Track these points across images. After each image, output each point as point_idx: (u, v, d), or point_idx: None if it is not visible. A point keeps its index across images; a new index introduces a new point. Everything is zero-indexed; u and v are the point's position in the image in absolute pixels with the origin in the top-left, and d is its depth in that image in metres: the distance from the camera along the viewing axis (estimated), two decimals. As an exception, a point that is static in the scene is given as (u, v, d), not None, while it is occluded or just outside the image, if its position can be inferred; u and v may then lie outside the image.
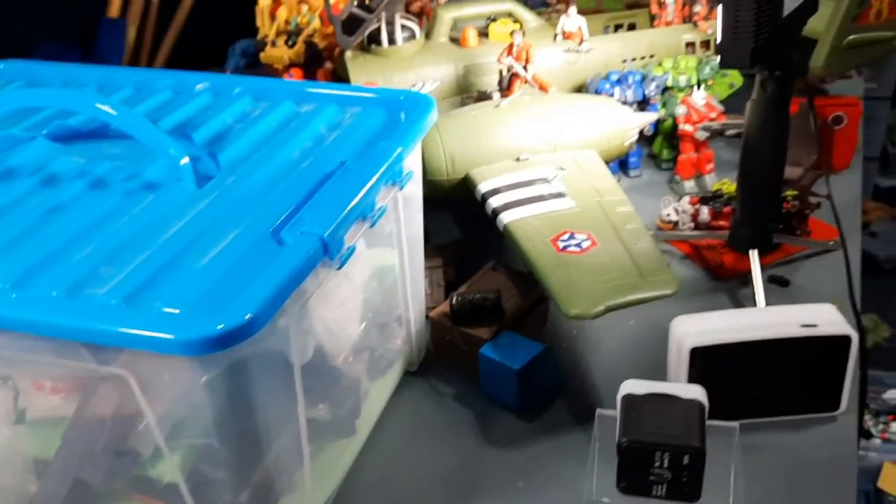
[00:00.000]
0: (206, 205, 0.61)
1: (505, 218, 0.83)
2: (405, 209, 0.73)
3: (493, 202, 0.86)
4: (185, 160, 0.63)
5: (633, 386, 0.61)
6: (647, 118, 1.02)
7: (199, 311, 0.49)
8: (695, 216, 0.96)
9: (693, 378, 0.68)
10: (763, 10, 0.70)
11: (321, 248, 0.54)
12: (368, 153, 0.65)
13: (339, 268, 0.57)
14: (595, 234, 0.79)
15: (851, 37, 1.00)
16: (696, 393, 0.60)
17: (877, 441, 1.93)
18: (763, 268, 0.89)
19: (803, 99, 1.09)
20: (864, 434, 1.97)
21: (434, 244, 0.98)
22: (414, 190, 0.74)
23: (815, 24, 1.00)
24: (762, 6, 0.69)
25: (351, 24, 1.03)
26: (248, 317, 0.48)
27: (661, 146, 1.12)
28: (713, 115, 1.03)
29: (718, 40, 0.72)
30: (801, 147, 1.09)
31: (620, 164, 1.11)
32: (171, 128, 0.71)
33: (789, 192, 0.96)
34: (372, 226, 0.62)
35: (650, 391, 0.60)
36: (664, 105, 1.10)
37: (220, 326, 0.48)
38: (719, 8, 0.71)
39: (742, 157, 0.84)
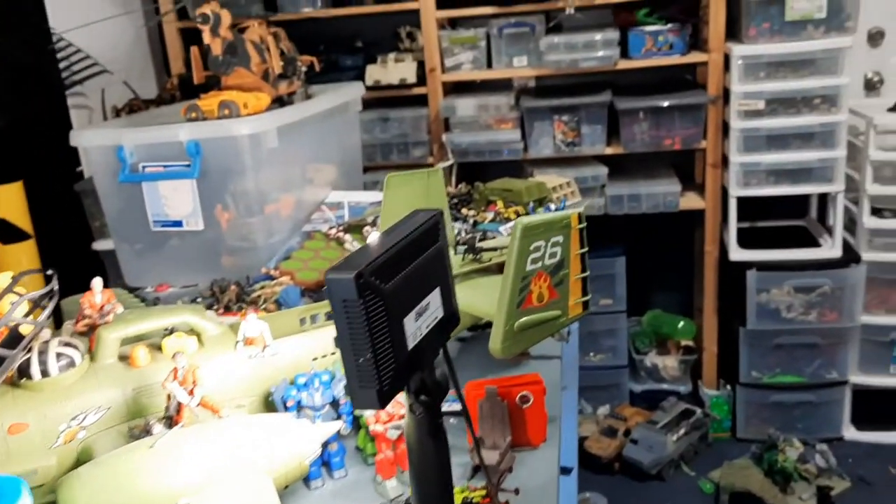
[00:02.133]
0: None
1: None
2: None
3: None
4: None
5: None
6: (330, 429, 0.98)
7: None
8: (389, 532, 0.90)
9: None
10: (382, 353, 0.68)
11: None
12: None
13: None
14: None
15: (522, 320, 1.05)
16: None
17: None
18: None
19: (488, 382, 1.12)
20: None
21: None
22: None
23: (491, 311, 1.05)
24: (379, 349, 0.68)
25: (-10, 363, 0.92)
26: None
27: (364, 440, 1.08)
28: (402, 411, 1.01)
29: (346, 383, 0.69)
30: (496, 430, 1.10)
31: (324, 463, 1.04)
32: None
33: (477, 494, 0.94)
34: None
35: None
36: (360, 399, 1.07)
37: None
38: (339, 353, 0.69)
39: (411, 477, 0.80)
